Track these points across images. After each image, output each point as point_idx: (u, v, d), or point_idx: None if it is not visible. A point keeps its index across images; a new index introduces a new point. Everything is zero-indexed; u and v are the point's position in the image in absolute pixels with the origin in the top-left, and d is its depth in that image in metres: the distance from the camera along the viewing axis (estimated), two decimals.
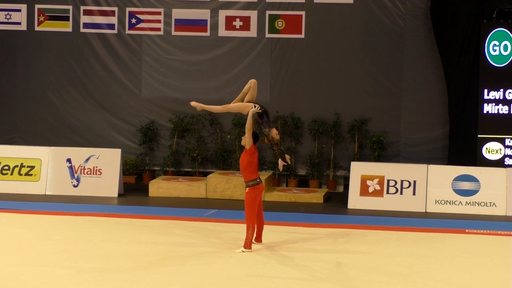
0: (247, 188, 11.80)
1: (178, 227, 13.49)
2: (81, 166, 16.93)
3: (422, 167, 16.26)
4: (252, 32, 18.57)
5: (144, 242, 12.25)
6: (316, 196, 16.88)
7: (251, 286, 9.94)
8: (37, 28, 19.04)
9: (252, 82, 12.18)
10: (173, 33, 18.81)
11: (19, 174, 17.02)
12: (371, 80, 18.23)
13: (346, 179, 17.40)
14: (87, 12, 18.89)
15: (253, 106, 11.89)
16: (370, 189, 16.21)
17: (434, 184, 16.03)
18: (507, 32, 16.69)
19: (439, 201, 15.96)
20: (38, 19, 19.03)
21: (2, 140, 18.71)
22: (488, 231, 13.75)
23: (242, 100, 12.27)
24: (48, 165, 16.97)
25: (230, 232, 12.28)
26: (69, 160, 16.97)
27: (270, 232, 12.93)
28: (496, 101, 16.78)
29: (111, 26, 18.90)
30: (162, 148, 18.90)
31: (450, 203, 15.93)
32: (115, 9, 18.86)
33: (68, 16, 18.93)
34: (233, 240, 12.11)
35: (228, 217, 14.52)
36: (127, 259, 11.11)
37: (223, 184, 16.94)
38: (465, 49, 17.31)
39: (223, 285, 9.97)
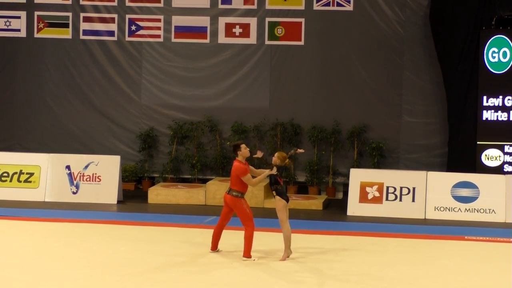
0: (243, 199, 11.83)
1: (177, 234, 13.49)
2: (80, 173, 16.92)
3: (421, 173, 16.25)
4: (252, 39, 18.59)
5: (143, 249, 12.24)
6: (315, 202, 16.87)
7: None
8: (36, 35, 19.04)
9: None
10: (173, 40, 18.82)
11: (18, 181, 17.00)
12: (371, 87, 18.23)
13: (346, 185, 17.39)
14: (87, 19, 18.90)
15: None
16: (370, 196, 16.20)
17: (434, 191, 16.01)
18: (506, 39, 16.69)
19: (438, 208, 15.94)
20: (38, 26, 19.03)
21: (1, 147, 18.69)
22: (487, 238, 13.74)
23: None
24: (47, 172, 16.96)
25: (229, 239, 12.25)
26: (68, 167, 16.96)
27: (269, 239, 12.92)
28: (495, 108, 16.78)
29: (110, 33, 18.91)
30: (162, 154, 18.89)
31: (449, 210, 15.91)
32: (115, 16, 18.87)
33: (68, 23, 18.94)
34: (233, 247, 12.09)
35: (227, 224, 14.48)
36: (126, 266, 11.10)
37: (222, 191, 16.86)
38: (464, 56, 17.31)
39: None
